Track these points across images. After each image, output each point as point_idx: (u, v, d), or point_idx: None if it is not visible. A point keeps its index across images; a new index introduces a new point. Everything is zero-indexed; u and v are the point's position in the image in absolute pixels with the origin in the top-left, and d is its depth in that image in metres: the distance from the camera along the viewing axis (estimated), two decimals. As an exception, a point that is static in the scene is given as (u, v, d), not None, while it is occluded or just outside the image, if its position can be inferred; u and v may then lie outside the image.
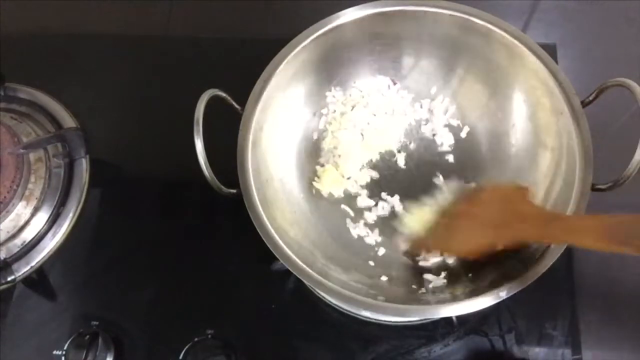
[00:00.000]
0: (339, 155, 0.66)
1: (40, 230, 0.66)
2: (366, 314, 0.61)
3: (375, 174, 0.66)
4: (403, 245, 0.61)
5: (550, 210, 0.55)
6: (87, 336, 0.59)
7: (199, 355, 0.58)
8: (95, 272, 0.65)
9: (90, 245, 0.66)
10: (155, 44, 0.79)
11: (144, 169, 0.72)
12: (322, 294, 0.59)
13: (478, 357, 0.60)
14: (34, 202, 0.66)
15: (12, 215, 0.65)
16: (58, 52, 0.79)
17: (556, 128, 0.59)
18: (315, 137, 0.67)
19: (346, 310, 0.62)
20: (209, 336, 0.60)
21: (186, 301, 0.63)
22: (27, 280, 0.65)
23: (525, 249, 0.54)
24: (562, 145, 0.58)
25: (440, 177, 0.65)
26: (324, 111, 0.67)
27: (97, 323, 0.61)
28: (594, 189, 0.54)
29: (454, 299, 0.52)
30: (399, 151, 0.67)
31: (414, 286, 0.58)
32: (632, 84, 0.52)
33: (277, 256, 0.52)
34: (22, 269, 0.64)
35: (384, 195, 0.64)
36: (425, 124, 0.68)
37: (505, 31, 0.61)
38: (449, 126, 0.67)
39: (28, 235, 0.65)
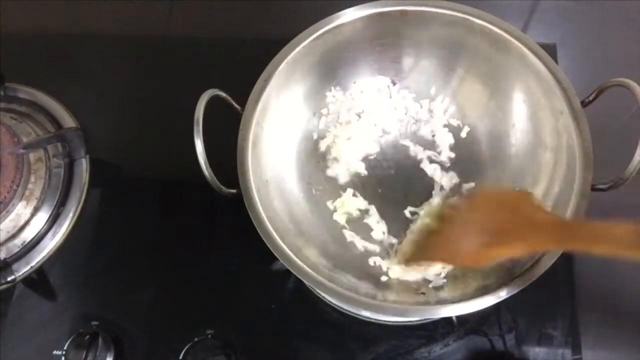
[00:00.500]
0: (339, 156, 0.66)
1: (40, 230, 0.66)
2: (366, 314, 0.61)
3: (374, 174, 0.66)
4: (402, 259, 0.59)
5: (568, 217, 0.52)
6: (87, 336, 0.59)
7: (199, 355, 0.58)
8: (95, 272, 0.65)
9: (90, 245, 0.66)
10: (155, 44, 0.79)
11: (144, 169, 0.72)
12: (322, 294, 0.59)
13: (478, 357, 0.60)
14: (34, 202, 0.66)
15: (12, 215, 0.65)
16: (58, 52, 0.79)
17: (556, 128, 0.59)
18: (315, 137, 0.67)
19: (346, 310, 0.62)
20: (209, 336, 0.60)
21: (186, 301, 0.63)
22: (27, 280, 0.65)
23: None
24: (562, 145, 0.58)
25: (437, 180, 0.64)
26: (324, 111, 0.67)
27: (97, 323, 0.61)
28: (594, 189, 0.54)
29: (454, 299, 0.52)
30: (398, 151, 0.67)
31: (414, 286, 0.58)
32: (632, 84, 0.52)
33: (277, 256, 0.52)
34: (22, 269, 0.64)
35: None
36: (425, 124, 0.68)
37: (505, 31, 0.61)
38: (449, 126, 0.67)
39: (28, 235, 0.65)
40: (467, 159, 0.66)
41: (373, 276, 0.59)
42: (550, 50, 0.68)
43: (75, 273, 0.65)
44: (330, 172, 0.66)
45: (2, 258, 0.63)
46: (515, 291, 0.50)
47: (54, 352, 0.60)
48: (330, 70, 0.66)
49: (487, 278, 0.54)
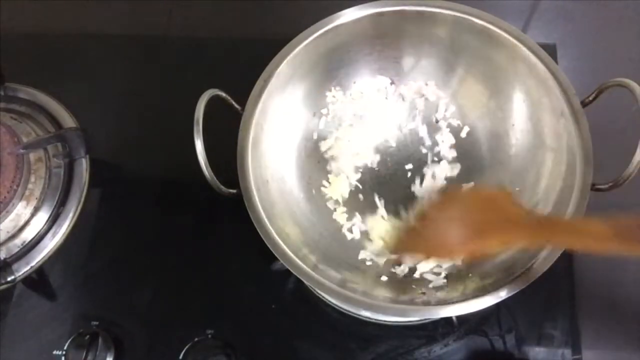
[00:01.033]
0: (339, 156, 0.66)
1: (40, 230, 0.66)
2: (366, 314, 0.61)
3: (374, 175, 0.66)
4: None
5: (546, 214, 0.55)
6: (87, 336, 0.59)
7: (199, 355, 0.58)
8: (95, 272, 0.65)
9: (90, 245, 0.66)
10: (155, 44, 0.79)
11: (144, 169, 0.72)
12: (322, 294, 0.59)
13: (478, 357, 0.60)
14: (34, 202, 0.66)
15: (12, 215, 0.65)
16: (58, 52, 0.79)
17: (556, 128, 0.59)
18: (315, 137, 0.67)
19: (346, 310, 0.62)
20: (209, 336, 0.60)
21: (186, 301, 0.63)
22: (27, 280, 0.65)
23: (526, 250, 0.54)
24: (562, 145, 0.58)
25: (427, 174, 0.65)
26: (324, 111, 0.67)
27: (97, 323, 0.61)
28: (594, 189, 0.54)
29: (454, 299, 0.52)
30: (398, 151, 0.67)
31: (413, 286, 0.58)
32: (632, 84, 0.53)
33: (277, 256, 0.52)
34: (22, 269, 0.64)
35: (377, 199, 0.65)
36: (425, 124, 0.68)
37: (505, 31, 0.61)
38: (449, 126, 0.67)
39: (28, 235, 0.65)
40: (467, 158, 0.66)
41: (373, 276, 0.59)
42: (550, 50, 0.68)
43: (75, 273, 0.65)
44: (330, 172, 0.66)
45: (2, 258, 0.63)
46: (515, 291, 0.50)
47: (54, 352, 0.60)
48: (330, 70, 0.66)
49: (487, 278, 0.54)
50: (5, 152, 0.64)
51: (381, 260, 0.60)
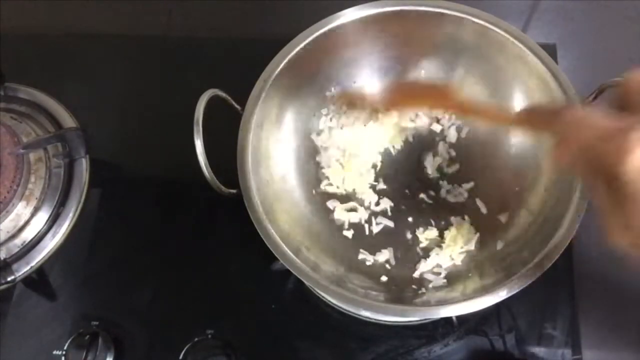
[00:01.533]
0: (339, 156, 0.66)
1: (40, 230, 0.66)
2: (366, 314, 0.61)
3: (373, 174, 0.66)
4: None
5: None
6: (87, 336, 0.59)
7: (199, 355, 0.58)
8: (95, 272, 0.65)
9: (90, 245, 0.66)
10: (155, 44, 0.79)
11: (144, 169, 0.72)
12: (322, 294, 0.59)
13: (478, 357, 0.60)
14: (34, 202, 0.66)
15: (12, 215, 0.65)
16: (58, 52, 0.79)
17: (556, 128, 0.59)
18: (315, 137, 0.67)
19: (346, 310, 0.62)
20: (209, 336, 0.60)
21: (186, 301, 0.63)
22: (27, 280, 0.65)
23: (526, 250, 0.54)
24: (562, 145, 0.58)
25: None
26: (324, 111, 0.67)
27: (97, 323, 0.61)
28: (594, 189, 0.54)
29: (454, 299, 0.52)
30: (398, 152, 0.67)
31: (414, 286, 0.58)
32: (632, 84, 0.52)
33: (277, 256, 0.52)
34: (22, 269, 0.64)
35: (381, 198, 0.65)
36: (425, 124, 0.68)
37: (505, 31, 0.60)
38: (449, 126, 0.67)
39: (28, 235, 0.65)
40: (466, 158, 0.66)
41: (373, 276, 0.59)
42: (550, 50, 0.68)
43: (75, 273, 0.65)
44: (329, 172, 0.66)
45: (2, 258, 0.63)
46: (515, 291, 0.50)
47: (54, 352, 0.60)
48: (330, 70, 0.66)
49: (487, 278, 0.54)
50: (5, 152, 0.64)
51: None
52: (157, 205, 0.69)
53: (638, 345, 0.61)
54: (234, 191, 0.54)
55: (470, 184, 0.64)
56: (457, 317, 0.60)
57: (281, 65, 0.60)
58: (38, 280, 0.65)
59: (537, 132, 0.57)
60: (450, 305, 0.50)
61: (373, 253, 0.61)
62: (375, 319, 0.61)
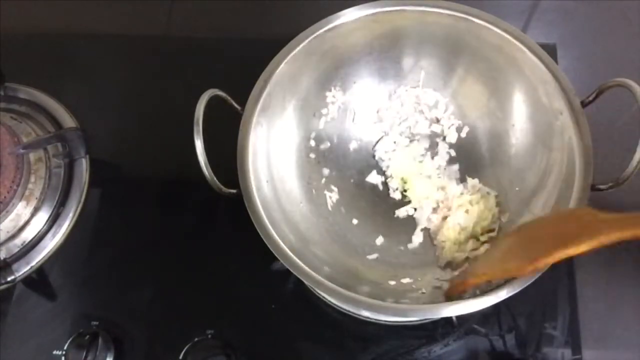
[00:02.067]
0: (339, 156, 0.66)
1: (40, 230, 0.66)
2: (366, 314, 0.61)
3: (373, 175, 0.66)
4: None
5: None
6: (87, 336, 0.59)
7: (199, 355, 0.58)
8: (95, 272, 0.65)
9: (90, 245, 0.66)
10: (155, 44, 0.79)
11: (144, 169, 0.72)
12: (322, 294, 0.59)
13: (478, 357, 0.60)
14: (34, 202, 0.66)
15: (12, 215, 0.65)
16: (58, 52, 0.79)
17: (556, 128, 0.59)
18: (315, 137, 0.67)
19: (346, 310, 0.62)
20: (209, 336, 0.60)
21: (186, 301, 0.63)
22: (27, 280, 0.65)
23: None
24: (562, 145, 0.58)
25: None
26: (324, 111, 0.67)
27: (97, 323, 0.61)
28: (594, 189, 0.54)
29: (454, 299, 0.52)
30: (398, 152, 0.67)
31: (414, 286, 0.58)
32: (632, 84, 0.52)
33: (277, 256, 0.52)
34: (22, 269, 0.64)
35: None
36: (425, 124, 0.68)
37: (505, 31, 0.61)
38: (449, 126, 0.67)
39: (28, 235, 0.65)
40: (467, 158, 0.66)
41: (373, 276, 0.59)
42: (550, 50, 0.68)
43: (75, 273, 0.65)
44: (329, 172, 0.66)
45: (2, 258, 0.63)
46: (515, 291, 0.50)
47: (54, 352, 0.60)
48: (330, 70, 0.66)
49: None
50: (5, 152, 0.64)
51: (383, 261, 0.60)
52: (157, 205, 0.69)
53: (638, 345, 0.61)
54: (234, 191, 0.54)
55: (475, 180, 0.64)
56: (457, 317, 0.60)
57: (281, 65, 0.60)
58: (38, 280, 0.65)
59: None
60: (450, 305, 0.50)
61: (374, 252, 0.62)
62: (375, 319, 0.61)
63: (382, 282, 0.58)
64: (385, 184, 0.67)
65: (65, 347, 0.59)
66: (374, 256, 0.62)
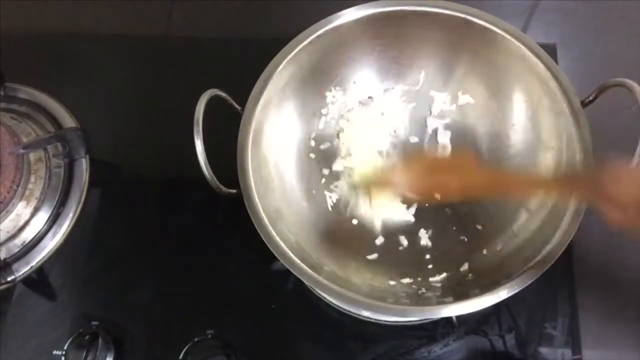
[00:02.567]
0: (339, 156, 0.66)
1: (40, 230, 0.66)
2: (366, 314, 0.61)
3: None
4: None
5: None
6: (87, 336, 0.59)
7: (199, 355, 0.58)
8: (95, 272, 0.65)
9: (90, 245, 0.66)
10: (155, 44, 0.79)
11: (144, 169, 0.72)
12: (322, 294, 0.59)
13: (478, 357, 0.60)
14: (34, 202, 0.66)
15: (12, 215, 0.65)
16: (58, 52, 0.79)
17: (556, 128, 0.59)
18: (315, 137, 0.67)
19: (346, 310, 0.62)
20: (209, 336, 0.60)
21: (186, 301, 0.63)
22: (27, 280, 0.65)
23: (526, 250, 0.54)
24: (562, 145, 0.58)
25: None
26: (324, 111, 0.67)
27: (97, 323, 0.61)
28: (594, 189, 0.54)
29: (454, 299, 0.52)
30: (398, 152, 0.67)
31: (414, 286, 0.58)
32: (632, 84, 0.52)
33: (277, 256, 0.52)
34: (22, 269, 0.64)
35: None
36: (425, 124, 0.68)
37: (505, 31, 0.61)
38: (449, 126, 0.67)
39: (28, 235, 0.65)
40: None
41: (373, 275, 0.59)
42: (550, 50, 0.68)
43: (75, 273, 0.65)
44: (328, 172, 0.66)
45: (2, 258, 0.63)
46: (515, 291, 0.50)
47: (54, 352, 0.60)
48: (330, 70, 0.66)
49: (487, 278, 0.54)
50: (5, 152, 0.64)
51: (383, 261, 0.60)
52: (157, 205, 0.69)
53: (638, 345, 0.61)
54: (234, 191, 0.54)
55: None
56: (457, 317, 0.60)
57: (281, 65, 0.60)
58: (38, 280, 0.65)
59: (573, 193, 0.53)
60: (450, 305, 0.50)
61: (374, 252, 0.61)
62: (375, 319, 0.61)
63: (382, 282, 0.58)
64: (385, 184, 0.67)
65: (65, 347, 0.59)
66: (374, 256, 0.62)
